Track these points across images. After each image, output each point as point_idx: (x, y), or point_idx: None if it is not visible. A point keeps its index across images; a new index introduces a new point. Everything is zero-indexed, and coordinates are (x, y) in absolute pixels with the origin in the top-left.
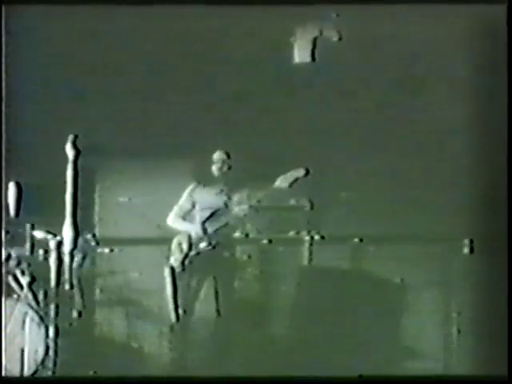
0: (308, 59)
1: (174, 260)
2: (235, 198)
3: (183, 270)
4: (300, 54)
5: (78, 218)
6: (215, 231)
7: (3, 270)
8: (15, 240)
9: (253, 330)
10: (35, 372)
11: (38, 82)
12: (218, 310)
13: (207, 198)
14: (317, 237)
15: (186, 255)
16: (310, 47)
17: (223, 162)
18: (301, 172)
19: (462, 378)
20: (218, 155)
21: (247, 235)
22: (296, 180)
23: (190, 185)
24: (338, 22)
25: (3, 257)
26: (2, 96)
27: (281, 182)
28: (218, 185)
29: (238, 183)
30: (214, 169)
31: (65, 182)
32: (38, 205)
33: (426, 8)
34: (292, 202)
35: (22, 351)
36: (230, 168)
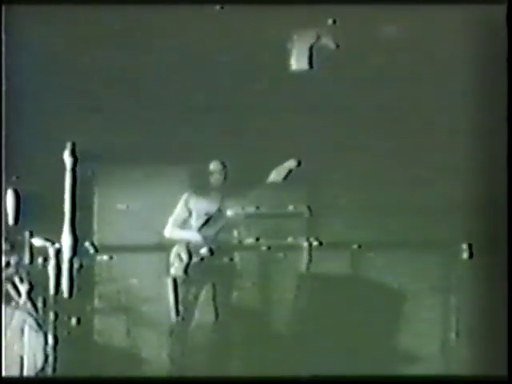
0: (305, 66)
1: (175, 270)
2: (231, 201)
3: (185, 280)
4: (297, 60)
5: (77, 226)
6: (215, 235)
7: (3, 277)
8: (14, 247)
9: (252, 336)
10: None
11: (36, 84)
12: (217, 316)
13: (202, 205)
14: (315, 243)
15: (188, 264)
16: (307, 54)
17: (219, 171)
18: (292, 163)
19: (462, 378)
20: (214, 165)
21: (245, 242)
22: (289, 172)
23: (184, 194)
24: (336, 28)
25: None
26: (1, 97)
27: (274, 176)
28: (213, 191)
29: (233, 188)
30: (211, 178)
31: (63, 190)
32: (37, 212)
33: (426, 9)
34: (290, 208)
35: (22, 359)
36: (225, 177)
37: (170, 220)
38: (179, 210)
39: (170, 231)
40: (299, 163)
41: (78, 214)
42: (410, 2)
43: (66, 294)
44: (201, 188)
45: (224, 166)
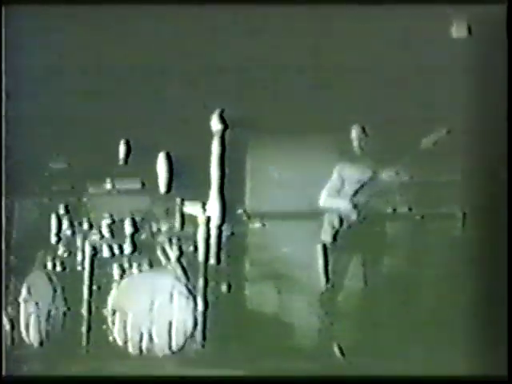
0: None
1: (326, 237)
2: (382, 170)
3: (336, 247)
4: None
5: (228, 193)
6: (365, 204)
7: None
8: (165, 215)
9: (401, 305)
10: (183, 346)
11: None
12: (366, 284)
13: (355, 174)
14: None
15: (337, 231)
16: None
17: (362, 137)
18: (443, 132)
19: (462, 378)
20: (355, 131)
21: (398, 211)
22: (437, 140)
23: (337, 164)
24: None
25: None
26: (1, 97)
27: (424, 144)
28: (364, 159)
29: (382, 156)
30: (358, 145)
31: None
32: (188, 179)
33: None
34: (444, 177)
35: (170, 324)
36: (368, 143)
37: (324, 189)
38: (333, 180)
39: (324, 200)
40: (449, 131)
41: (228, 180)
42: (409, 2)
43: (214, 261)
44: (351, 156)
45: (364, 130)
